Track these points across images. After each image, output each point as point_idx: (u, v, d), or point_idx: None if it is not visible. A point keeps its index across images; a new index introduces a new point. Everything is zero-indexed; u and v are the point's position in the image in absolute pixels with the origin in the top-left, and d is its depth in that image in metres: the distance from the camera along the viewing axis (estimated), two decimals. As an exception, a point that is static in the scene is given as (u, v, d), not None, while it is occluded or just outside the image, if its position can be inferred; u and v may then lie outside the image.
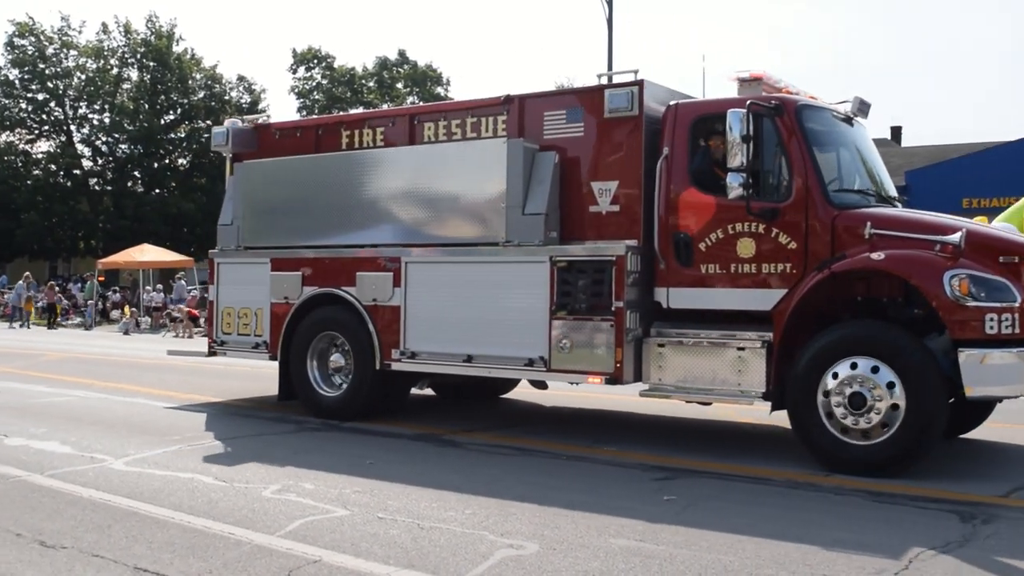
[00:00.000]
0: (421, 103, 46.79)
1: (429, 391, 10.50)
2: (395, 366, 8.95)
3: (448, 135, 8.96)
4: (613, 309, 7.72)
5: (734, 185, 7.22)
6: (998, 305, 6.64)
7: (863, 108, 8.15)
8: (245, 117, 10.96)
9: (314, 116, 10.55)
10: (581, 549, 5.16)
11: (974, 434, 8.55)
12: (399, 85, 54.70)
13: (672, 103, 8.02)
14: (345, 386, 9.40)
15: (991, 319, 6.62)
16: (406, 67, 54.89)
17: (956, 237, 6.78)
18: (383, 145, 9.37)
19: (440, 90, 54.38)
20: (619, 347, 7.69)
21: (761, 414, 9.01)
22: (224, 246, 10.37)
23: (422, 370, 9.05)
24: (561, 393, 10.69)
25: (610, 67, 25.77)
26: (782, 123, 7.42)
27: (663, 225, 7.80)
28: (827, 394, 6.98)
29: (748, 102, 7.32)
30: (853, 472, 6.83)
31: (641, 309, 7.87)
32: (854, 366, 6.88)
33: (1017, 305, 6.70)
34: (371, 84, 54.33)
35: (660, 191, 7.82)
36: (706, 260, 7.64)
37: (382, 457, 7.86)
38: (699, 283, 7.69)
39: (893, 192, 8.29)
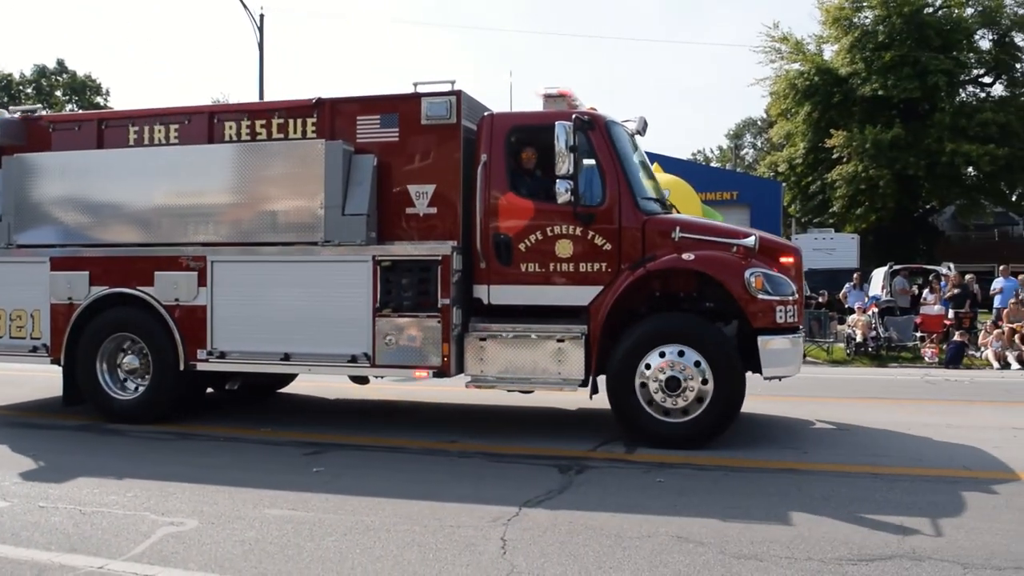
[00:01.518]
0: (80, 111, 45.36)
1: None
2: (201, 366, 8.54)
3: (252, 135, 8.58)
4: (439, 306, 7.86)
5: (562, 191, 7.59)
6: (781, 298, 7.55)
7: (644, 127, 8.87)
8: (12, 108, 9.84)
9: (95, 110, 9.47)
10: (238, 521, 5.50)
11: (558, 401, 10.00)
12: (58, 93, 52.88)
13: (487, 113, 8.27)
14: (142, 388, 8.87)
15: (780, 310, 7.53)
16: (65, 76, 53.33)
17: (751, 240, 7.66)
18: (177, 142, 8.80)
19: (100, 99, 53.35)
20: (446, 342, 7.87)
21: (402, 392, 10.41)
22: None
23: (233, 369, 8.71)
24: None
25: (261, 88, 28.31)
26: (595, 136, 7.90)
27: (484, 227, 8.00)
28: (644, 379, 7.55)
29: (573, 115, 7.77)
30: (671, 446, 7.45)
31: (463, 305, 8.06)
32: (668, 353, 7.51)
33: (793, 298, 7.67)
34: (29, 91, 51.76)
35: (481, 195, 8.00)
36: (525, 259, 7.95)
37: (44, 448, 7.81)
38: (519, 281, 7.98)
39: (667, 200, 9.05)
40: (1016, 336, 15.87)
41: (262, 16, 28.38)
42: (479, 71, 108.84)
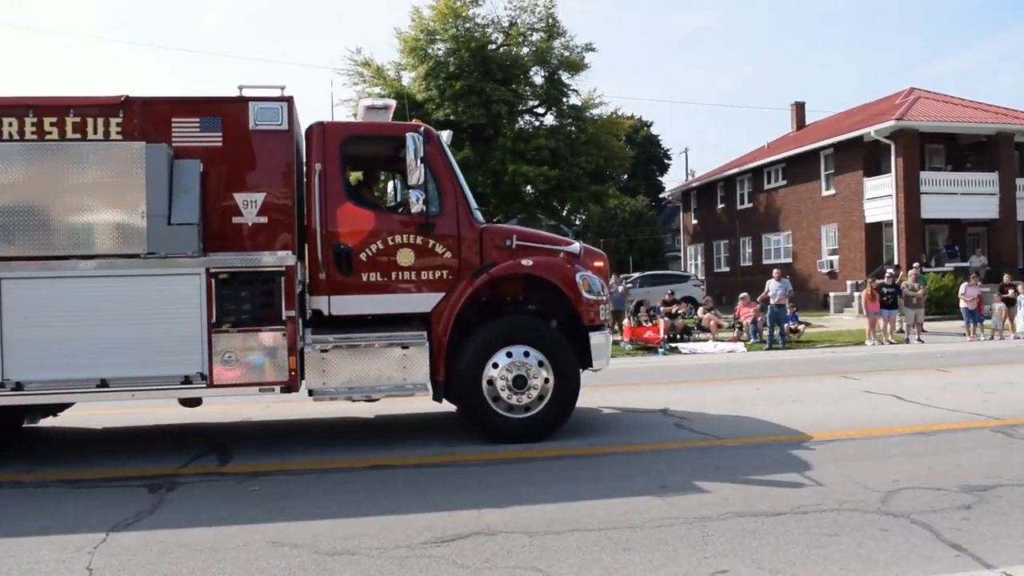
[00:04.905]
0: None
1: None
2: None
3: (39, 133, 7.31)
4: (284, 318, 7.37)
5: (415, 200, 7.59)
6: (599, 298, 8.15)
7: (449, 141, 8.80)
8: None
9: None
10: None
11: (145, 419, 9.54)
12: None
13: (318, 122, 7.95)
14: None
15: (601, 309, 8.11)
16: None
17: (576, 247, 8.22)
18: (-63, 137, 7.01)
19: None
20: (293, 355, 7.40)
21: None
22: None
23: (32, 403, 7.39)
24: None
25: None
26: (431, 148, 7.90)
27: (324, 237, 7.66)
28: (491, 379, 7.78)
29: (422, 127, 7.77)
30: (520, 441, 7.73)
31: (303, 317, 7.65)
32: (514, 354, 7.81)
33: (605, 298, 8.29)
34: None
35: (318, 205, 7.68)
36: (367, 269, 7.78)
37: None
38: (361, 291, 7.79)
39: None
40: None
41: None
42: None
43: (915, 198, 30.73)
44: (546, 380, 7.87)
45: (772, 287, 21.13)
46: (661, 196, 62.42)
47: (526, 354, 7.85)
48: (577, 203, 39.44)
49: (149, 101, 7.50)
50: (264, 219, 7.52)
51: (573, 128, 35.67)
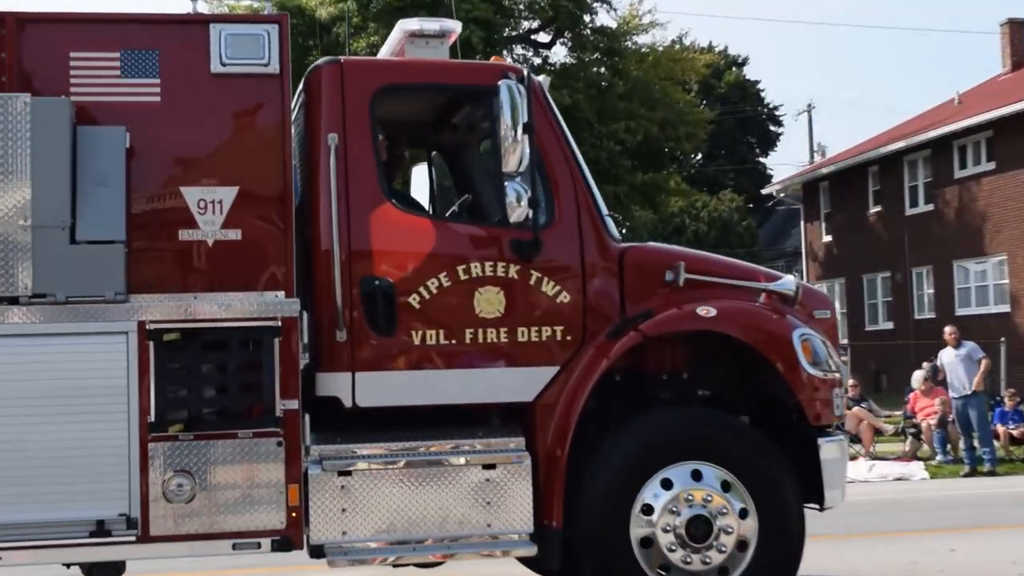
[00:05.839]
0: None
1: None
2: None
3: None
4: (278, 413, 6.51)
5: (514, 201, 6.66)
6: (831, 376, 7.32)
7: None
8: None
9: None
10: None
11: None
12: None
13: (330, 60, 7.22)
14: None
15: (836, 395, 7.36)
16: None
17: (789, 284, 7.36)
18: None
19: None
20: (293, 482, 6.54)
21: None
22: None
23: None
24: None
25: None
26: (537, 107, 7.06)
27: (344, 266, 6.80)
28: (649, 522, 6.91)
29: (521, 70, 7.10)
30: None
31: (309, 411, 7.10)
32: (682, 478, 6.95)
33: (839, 376, 7.54)
34: None
35: (334, 207, 6.81)
36: (420, 323, 6.94)
37: None
38: (407, 362, 6.94)
39: None
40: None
41: None
42: None
43: None
44: (744, 527, 7.00)
45: (945, 360, 19.37)
46: (765, 192, 57.29)
47: (700, 477, 7.01)
48: (612, 205, 35.62)
49: (25, 18, 6.69)
50: (237, 233, 6.72)
51: (603, 70, 32.14)
